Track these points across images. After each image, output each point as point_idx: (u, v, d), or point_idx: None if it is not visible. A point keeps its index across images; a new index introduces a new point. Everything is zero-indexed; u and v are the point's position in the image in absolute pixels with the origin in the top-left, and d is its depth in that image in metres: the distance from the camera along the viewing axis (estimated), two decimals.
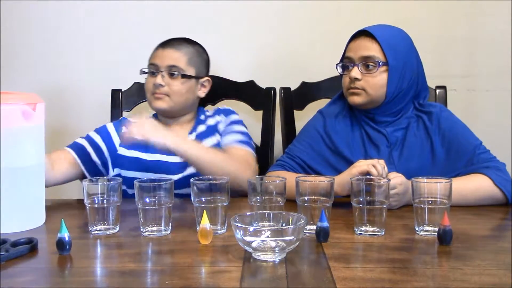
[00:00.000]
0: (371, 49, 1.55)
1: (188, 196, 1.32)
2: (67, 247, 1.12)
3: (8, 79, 2.14)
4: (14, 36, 2.19)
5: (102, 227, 1.26)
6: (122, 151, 1.76)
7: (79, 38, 2.19)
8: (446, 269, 1.06)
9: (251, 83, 2.03)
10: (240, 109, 2.14)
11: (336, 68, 1.64)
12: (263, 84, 2.03)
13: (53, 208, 1.46)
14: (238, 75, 2.05)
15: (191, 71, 1.78)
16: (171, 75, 1.74)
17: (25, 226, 1.30)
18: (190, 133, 1.79)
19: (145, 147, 1.70)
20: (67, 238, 1.12)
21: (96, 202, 1.25)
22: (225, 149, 1.71)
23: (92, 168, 1.73)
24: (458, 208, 1.40)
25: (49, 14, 2.19)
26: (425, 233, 1.24)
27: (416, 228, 1.25)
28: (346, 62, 1.61)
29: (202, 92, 1.83)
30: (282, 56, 2.18)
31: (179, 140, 1.58)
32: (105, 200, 1.25)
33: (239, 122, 1.84)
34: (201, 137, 1.78)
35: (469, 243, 1.20)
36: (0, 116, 1.27)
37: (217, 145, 1.76)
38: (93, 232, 1.26)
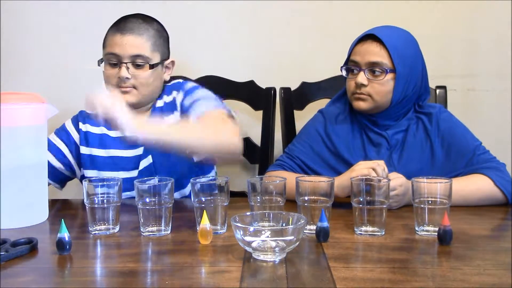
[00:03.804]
0: (379, 55, 1.53)
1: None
2: (67, 247, 1.12)
3: (8, 79, 2.14)
4: (14, 36, 2.19)
5: (102, 227, 1.26)
6: (82, 149, 1.66)
7: (79, 38, 2.19)
8: (446, 269, 1.06)
9: (251, 83, 2.03)
10: (240, 109, 2.14)
11: (341, 70, 1.61)
12: (263, 84, 2.03)
13: (53, 208, 1.46)
14: (238, 75, 2.05)
15: (156, 57, 1.61)
16: (136, 65, 1.58)
17: (29, 222, 1.34)
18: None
19: (100, 142, 1.64)
20: (67, 238, 1.12)
21: (96, 202, 1.25)
22: (197, 120, 1.55)
23: (53, 174, 1.63)
24: (458, 208, 1.41)
25: (48, 14, 2.18)
26: (425, 233, 1.24)
27: (416, 228, 1.25)
28: (351, 66, 1.58)
29: (167, 75, 1.68)
30: (282, 56, 2.18)
31: (144, 124, 1.36)
32: (105, 200, 1.25)
33: (197, 88, 1.66)
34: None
35: (469, 243, 1.20)
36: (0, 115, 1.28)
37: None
38: (93, 232, 1.26)
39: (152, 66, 1.60)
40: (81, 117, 1.70)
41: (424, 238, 1.22)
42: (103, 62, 1.62)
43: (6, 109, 1.28)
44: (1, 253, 1.09)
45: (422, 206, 1.24)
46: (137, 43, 1.58)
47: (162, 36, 1.66)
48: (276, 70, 2.17)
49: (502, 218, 1.44)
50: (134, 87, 1.60)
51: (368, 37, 1.56)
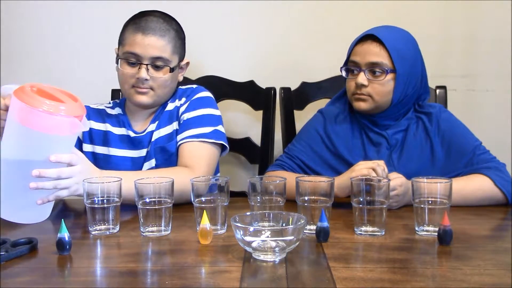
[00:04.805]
0: (379, 55, 1.53)
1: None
2: (67, 247, 1.12)
3: (8, 79, 2.14)
4: (14, 35, 2.19)
5: (102, 227, 1.26)
6: (85, 147, 1.65)
7: (79, 38, 2.19)
8: (446, 269, 1.06)
9: (251, 83, 2.03)
10: (240, 109, 2.14)
11: (341, 71, 1.61)
12: (263, 84, 2.03)
13: (53, 208, 1.46)
14: (238, 75, 2.05)
15: (175, 60, 1.62)
16: (156, 67, 1.58)
17: (34, 219, 1.35)
18: (153, 121, 1.65)
19: (104, 140, 1.64)
20: (67, 238, 1.12)
21: (96, 202, 1.25)
22: (179, 149, 1.58)
23: None
24: (458, 208, 1.41)
25: (49, 14, 2.18)
26: (425, 233, 1.23)
27: (416, 228, 1.25)
28: (351, 66, 1.58)
29: (181, 76, 1.69)
30: (282, 56, 2.18)
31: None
32: (105, 200, 1.25)
33: (202, 103, 1.64)
34: (159, 126, 1.63)
35: (469, 243, 1.20)
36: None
37: (173, 134, 1.63)
38: (93, 232, 1.26)
39: (172, 70, 1.60)
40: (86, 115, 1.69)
41: (424, 238, 1.22)
42: (120, 60, 1.60)
43: (44, 116, 1.24)
44: (1, 253, 1.09)
45: (422, 206, 1.24)
46: (159, 45, 1.57)
47: (181, 38, 1.66)
48: (276, 70, 2.17)
49: (502, 218, 1.44)
50: (152, 89, 1.59)
51: (368, 37, 1.55)
